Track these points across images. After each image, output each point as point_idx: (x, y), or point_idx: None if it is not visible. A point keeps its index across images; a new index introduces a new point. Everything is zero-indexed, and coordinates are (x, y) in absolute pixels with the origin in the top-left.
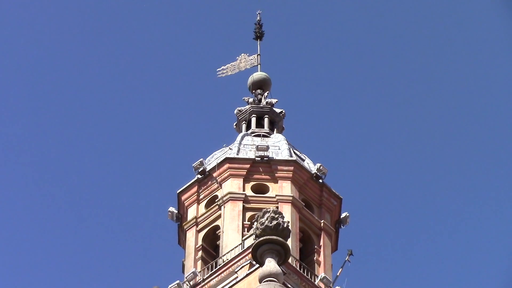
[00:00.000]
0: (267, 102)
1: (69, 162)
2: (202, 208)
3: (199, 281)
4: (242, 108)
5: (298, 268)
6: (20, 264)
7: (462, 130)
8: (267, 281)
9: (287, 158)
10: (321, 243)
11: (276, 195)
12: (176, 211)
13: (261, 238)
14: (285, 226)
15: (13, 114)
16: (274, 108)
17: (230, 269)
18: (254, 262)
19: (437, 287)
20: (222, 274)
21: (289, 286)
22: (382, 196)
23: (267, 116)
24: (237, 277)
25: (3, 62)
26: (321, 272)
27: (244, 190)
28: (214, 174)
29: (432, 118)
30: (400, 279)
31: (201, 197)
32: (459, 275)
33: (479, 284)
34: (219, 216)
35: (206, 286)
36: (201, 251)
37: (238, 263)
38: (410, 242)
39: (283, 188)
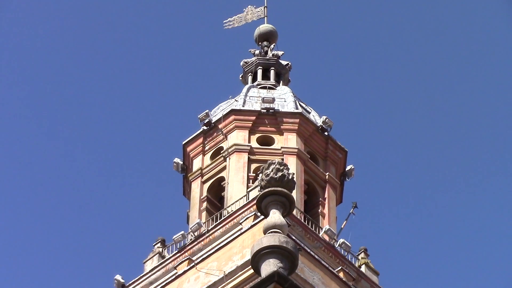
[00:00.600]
0: (273, 54)
1: (72, 112)
2: (207, 159)
3: (204, 232)
4: (248, 60)
5: (302, 220)
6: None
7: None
8: (271, 232)
9: (293, 111)
10: (326, 195)
11: (281, 147)
12: (181, 162)
13: (266, 190)
14: (290, 177)
15: None
16: (280, 60)
17: (235, 220)
18: (258, 214)
19: (440, 239)
20: (227, 225)
21: (293, 237)
22: (387, 150)
23: (273, 68)
24: (241, 228)
25: None
26: (325, 225)
27: (249, 142)
28: (220, 126)
29: (442, 73)
30: (405, 232)
31: (206, 148)
32: (463, 229)
33: (484, 238)
34: (224, 168)
35: (210, 237)
36: (205, 202)
37: (243, 215)
38: (416, 196)
39: (288, 140)
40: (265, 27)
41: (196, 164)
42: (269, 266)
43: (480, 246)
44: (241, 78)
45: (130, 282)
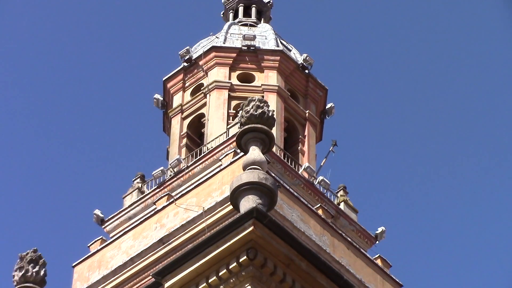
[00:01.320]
0: None
1: (62, 42)
2: (187, 96)
3: (183, 168)
4: None
5: (282, 158)
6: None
7: None
8: (250, 169)
9: (273, 48)
10: (306, 133)
11: (261, 85)
12: (162, 99)
13: (246, 126)
14: (270, 114)
15: None
16: None
17: (214, 157)
18: (238, 151)
19: (419, 173)
20: (206, 162)
21: (273, 174)
22: (368, 88)
23: (254, 5)
24: (221, 165)
25: None
26: (305, 162)
27: (230, 78)
28: (200, 63)
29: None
30: (385, 170)
31: (186, 85)
32: (443, 161)
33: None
34: (204, 104)
35: (190, 173)
36: (185, 138)
37: (223, 151)
38: (396, 133)
39: (269, 78)
40: None
41: (176, 100)
42: (248, 203)
43: (459, 191)
44: (222, 15)
45: (109, 217)
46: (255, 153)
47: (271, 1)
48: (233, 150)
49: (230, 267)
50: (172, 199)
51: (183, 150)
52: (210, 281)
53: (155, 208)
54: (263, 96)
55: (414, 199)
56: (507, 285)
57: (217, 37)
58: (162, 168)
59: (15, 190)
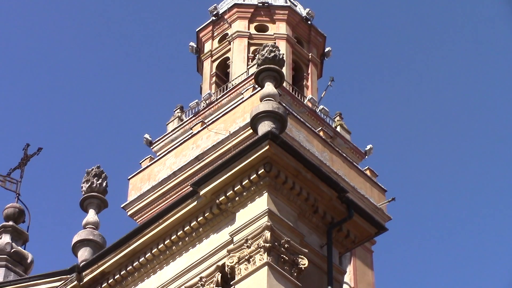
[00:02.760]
0: None
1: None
2: (215, 43)
3: (213, 100)
4: None
5: (290, 91)
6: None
7: None
8: (266, 100)
9: (283, 4)
10: (309, 71)
11: (274, 33)
12: (195, 46)
13: (262, 67)
14: (280, 57)
15: None
16: None
17: (238, 91)
18: (256, 86)
19: (400, 100)
20: (231, 95)
21: (283, 104)
22: (360, 34)
23: None
24: (243, 97)
25: None
26: (309, 94)
27: (248, 29)
28: (225, 16)
29: None
30: (373, 100)
31: (215, 34)
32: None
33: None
34: (229, 50)
35: (218, 104)
36: (214, 77)
37: (244, 87)
38: (383, 68)
39: (279, 28)
40: None
41: (207, 47)
42: (265, 127)
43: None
44: None
45: (156, 140)
46: (269, 87)
47: None
48: (252, 85)
49: (251, 178)
50: (205, 125)
51: (213, 86)
52: (235, 189)
53: (192, 133)
54: (275, 43)
55: (398, 122)
56: None
57: None
58: (196, 100)
59: (85, 118)
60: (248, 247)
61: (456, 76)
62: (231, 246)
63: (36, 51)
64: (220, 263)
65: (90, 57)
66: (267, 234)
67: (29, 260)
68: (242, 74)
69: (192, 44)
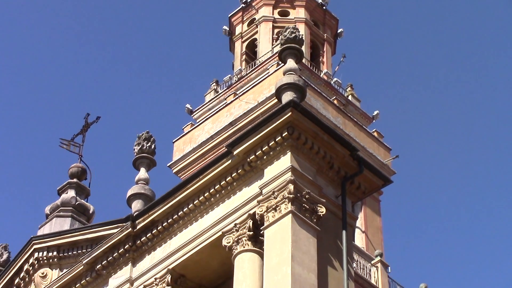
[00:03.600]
0: None
1: None
2: (245, 26)
3: (244, 75)
4: None
5: (309, 66)
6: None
7: None
8: (288, 74)
9: None
10: (325, 49)
11: (294, 17)
12: (228, 29)
13: (284, 46)
14: (300, 37)
15: None
16: None
17: (264, 67)
18: (280, 62)
19: (403, 73)
20: (259, 70)
21: (303, 78)
22: (368, 17)
23: None
24: (268, 72)
25: None
26: (324, 69)
27: (273, 14)
28: (253, 4)
29: None
30: (379, 72)
31: (244, 19)
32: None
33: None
34: (256, 32)
35: (248, 78)
36: (244, 55)
37: (269, 63)
38: (392, 44)
39: (299, 13)
40: None
41: (238, 29)
42: (287, 97)
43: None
44: None
45: (196, 109)
46: (291, 63)
47: None
48: (276, 62)
49: (277, 139)
50: (237, 96)
51: (243, 63)
52: (263, 149)
53: (226, 102)
54: (295, 25)
55: (401, 91)
56: None
57: None
58: (229, 75)
59: (137, 91)
60: (275, 198)
61: (455, 47)
62: (260, 197)
63: (93, 31)
64: (251, 212)
65: (145, 40)
66: (291, 186)
67: (91, 211)
68: (267, 52)
69: (225, 27)
